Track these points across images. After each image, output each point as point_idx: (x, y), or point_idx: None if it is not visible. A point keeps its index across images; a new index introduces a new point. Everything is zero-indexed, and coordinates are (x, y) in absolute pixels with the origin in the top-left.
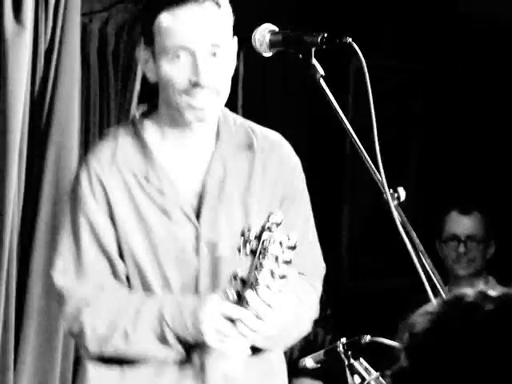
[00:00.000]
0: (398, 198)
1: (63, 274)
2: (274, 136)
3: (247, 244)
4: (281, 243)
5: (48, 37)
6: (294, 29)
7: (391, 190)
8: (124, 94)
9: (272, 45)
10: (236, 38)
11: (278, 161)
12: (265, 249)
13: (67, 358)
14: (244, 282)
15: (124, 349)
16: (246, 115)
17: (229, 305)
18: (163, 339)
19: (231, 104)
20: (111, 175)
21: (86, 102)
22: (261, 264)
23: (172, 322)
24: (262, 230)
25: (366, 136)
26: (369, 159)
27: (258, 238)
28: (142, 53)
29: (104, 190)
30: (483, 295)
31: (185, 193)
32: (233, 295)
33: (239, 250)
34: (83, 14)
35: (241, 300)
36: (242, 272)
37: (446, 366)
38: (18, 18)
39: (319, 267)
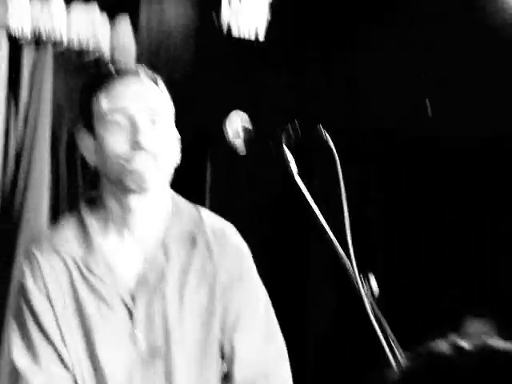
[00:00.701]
0: (369, 283)
1: (21, 357)
2: (220, 224)
3: None
4: None
5: (18, 139)
6: (265, 122)
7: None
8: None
9: (243, 137)
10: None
11: (221, 253)
12: None
13: None
14: None
15: None
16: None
17: None
18: None
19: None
20: (50, 261)
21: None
22: None
23: None
24: None
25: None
26: (338, 245)
27: None
28: (81, 136)
29: (42, 275)
30: (458, 350)
31: (124, 279)
32: None
33: None
34: (53, 122)
35: None
36: None
37: None
38: None
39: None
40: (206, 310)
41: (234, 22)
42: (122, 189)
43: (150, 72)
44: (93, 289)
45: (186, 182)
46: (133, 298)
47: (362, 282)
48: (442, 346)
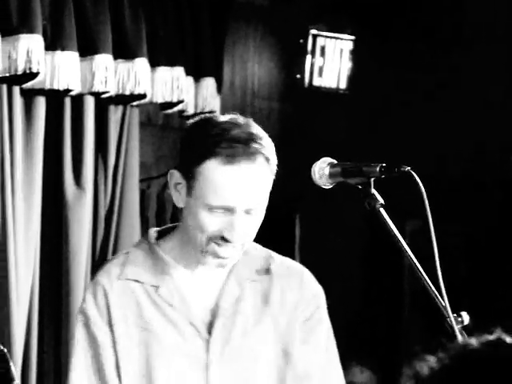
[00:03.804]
0: (462, 321)
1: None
2: (294, 264)
3: None
4: None
5: (108, 200)
6: (353, 161)
7: (455, 314)
8: None
9: (331, 177)
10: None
11: (297, 286)
12: None
13: None
14: None
15: None
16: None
17: None
18: None
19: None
20: (119, 289)
21: None
22: None
23: None
24: None
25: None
26: (431, 285)
27: None
28: (174, 178)
29: (107, 305)
30: (494, 343)
31: (196, 309)
32: None
33: None
34: (141, 180)
35: None
36: None
37: None
38: (79, 182)
39: None
40: (285, 340)
41: (316, 74)
42: (201, 256)
43: (267, 147)
44: (163, 313)
45: (274, 240)
46: (208, 330)
47: (454, 319)
48: (473, 341)
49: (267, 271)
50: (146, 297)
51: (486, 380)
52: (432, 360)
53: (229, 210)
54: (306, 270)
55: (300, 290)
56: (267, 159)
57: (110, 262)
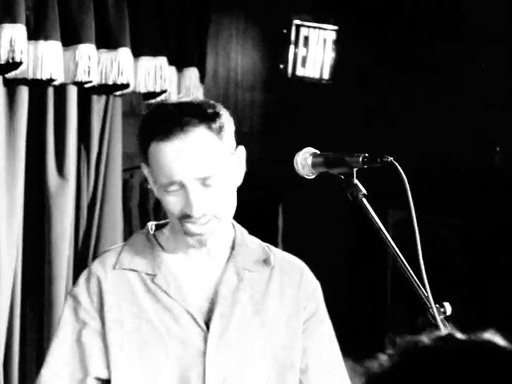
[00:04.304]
0: (444, 312)
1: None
2: (294, 259)
3: None
4: None
5: (90, 190)
6: (335, 151)
7: (437, 305)
8: None
9: (314, 167)
10: (241, 148)
11: (297, 281)
12: None
13: None
14: None
15: None
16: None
17: None
18: None
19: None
20: (113, 277)
21: None
22: None
23: None
24: None
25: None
26: (413, 275)
27: None
28: (143, 168)
29: (100, 292)
30: (444, 339)
31: (194, 298)
32: None
33: None
34: (124, 170)
35: None
36: None
37: None
38: (61, 172)
39: None
40: (288, 332)
41: (299, 64)
42: (183, 239)
43: (213, 117)
44: (158, 300)
45: (257, 229)
46: (205, 319)
47: (436, 309)
48: (423, 337)
49: (265, 262)
50: (141, 285)
51: (435, 376)
52: (382, 357)
53: (180, 186)
54: (305, 265)
55: (300, 286)
56: (209, 127)
57: (107, 251)
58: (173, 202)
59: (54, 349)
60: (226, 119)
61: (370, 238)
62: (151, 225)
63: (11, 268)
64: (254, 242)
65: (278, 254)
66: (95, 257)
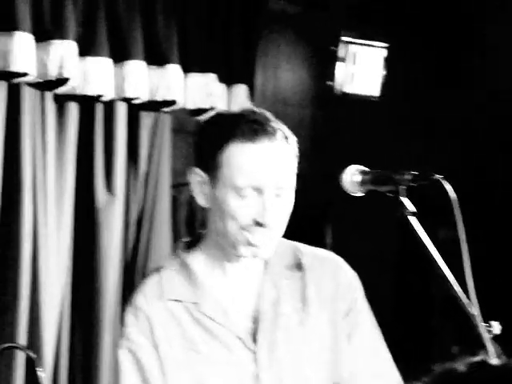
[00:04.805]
0: (492, 331)
1: None
2: (323, 253)
3: None
4: None
5: (139, 207)
6: (383, 169)
7: (485, 324)
8: None
9: (362, 184)
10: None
11: (331, 276)
12: None
13: None
14: None
15: None
16: None
17: None
18: None
19: None
20: (159, 310)
21: None
22: None
23: None
24: None
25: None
26: (462, 293)
27: None
28: (195, 176)
29: (150, 327)
30: (478, 365)
31: (238, 318)
32: None
33: None
34: (173, 186)
35: None
36: None
37: None
38: (110, 188)
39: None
40: (330, 337)
41: (348, 82)
42: (234, 250)
43: (284, 128)
44: (205, 329)
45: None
46: (253, 338)
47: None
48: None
49: (298, 266)
50: (187, 315)
51: None
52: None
53: (257, 191)
54: (337, 256)
55: (335, 280)
56: (286, 138)
57: (145, 283)
58: (244, 207)
59: None
60: (290, 132)
61: (417, 255)
62: (183, 244)
63: (60, 283)
64: (283, 245)
65: (309, 253)
66: (143, 273)
